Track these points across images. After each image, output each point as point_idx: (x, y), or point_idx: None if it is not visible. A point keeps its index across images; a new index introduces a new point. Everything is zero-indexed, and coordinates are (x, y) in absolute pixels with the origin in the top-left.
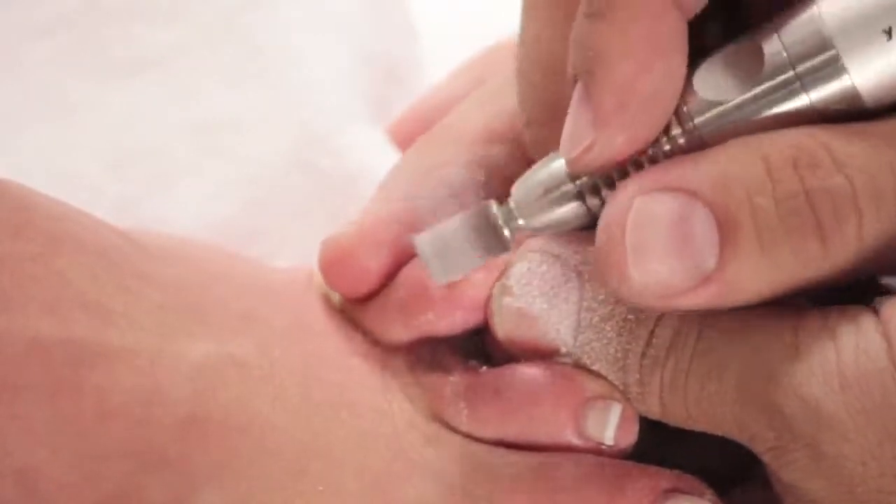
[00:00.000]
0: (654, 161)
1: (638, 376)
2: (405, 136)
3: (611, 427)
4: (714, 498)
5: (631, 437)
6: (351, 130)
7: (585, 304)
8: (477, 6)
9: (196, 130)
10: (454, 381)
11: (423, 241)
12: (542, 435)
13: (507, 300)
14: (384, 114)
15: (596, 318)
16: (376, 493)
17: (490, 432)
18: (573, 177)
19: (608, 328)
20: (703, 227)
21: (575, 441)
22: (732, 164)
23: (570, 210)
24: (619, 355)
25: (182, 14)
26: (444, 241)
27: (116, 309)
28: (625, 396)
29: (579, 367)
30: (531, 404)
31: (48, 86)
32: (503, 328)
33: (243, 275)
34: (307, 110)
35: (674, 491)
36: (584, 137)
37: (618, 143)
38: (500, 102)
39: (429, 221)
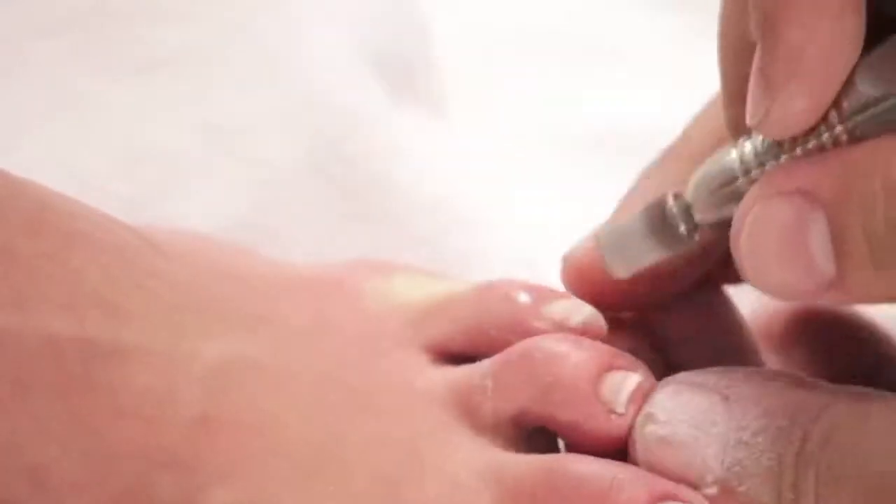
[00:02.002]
0: (822, 149)
1: (792, 479)
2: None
3: (624, 394)
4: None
5: (635, 407)
6: (363, 134)
7: (734, 423)
8: (491, 6)
9: (207, 132)
10: (482, 365)
11: (603, 234)
12: (560, 397)
13: (650, 428)
14: (397, 114)
15: (747, 435)
16: (389, 496)
17: (513, 401)
18: (745, 171)
19: (761, 440)
20: (819, 237)
21: (591, 406)
22: (855, 172)
23: None
24: (773, 464)
25: (193, 15)
26: (623, 235)
27: (131, 308)
28: None
29: (725, 492)
30: (553, 365)
31: (58, 85)
32: (646, 457)
33: (261, 273)
34: (319, 113)
35: (671, 497)
36: (761, 105)
37: (793, 110)
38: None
39: None
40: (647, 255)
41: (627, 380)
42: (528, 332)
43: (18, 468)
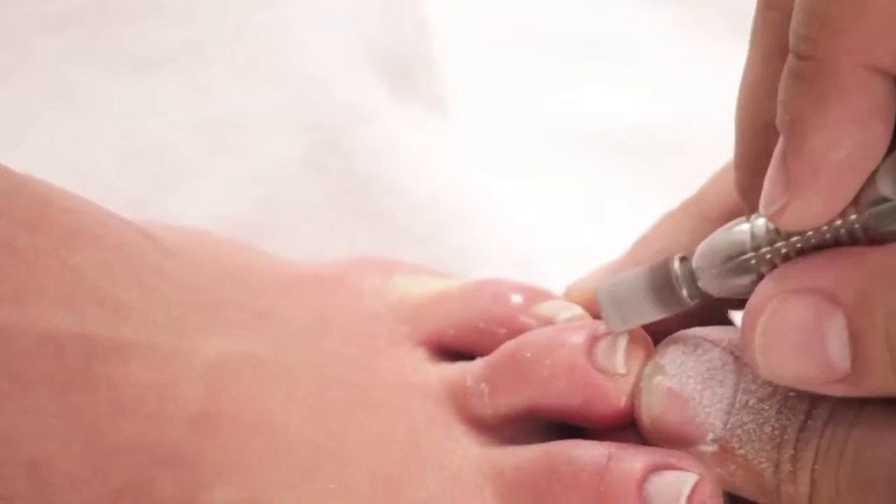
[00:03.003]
0: (838, 242)
1: (793, 451)
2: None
3: (619, 353)
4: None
5: (637, 362)
6: (361, 130)
7: (743, 385)
8: (490, 3)
9: (207, 128)
10: (473, 367)
11: (603, 289)
12: (560, 384)
13: (658, 379)
14: (397, 111)
15: (753, 400)
16: (388, 494)
17: (511, 401)
18: (756, 247)
19: (767, 407)
20: (837, 337)
21: (592, 378)
22: (878, 277)
23: (747, 282)
24: (775, 433)
25: (194, 12)
26: (623, 291)
27: (131, 304)
28: (775, 477)
29: (724, 452)
30: (545, 357)
31: (59, 81)
32: (650, 409)
33: (261, 271)
34: (319, 109)
35: (667, 467)
36: (779, 199)
37: (810, 209)
38: None
39: None
40: (645, 314)
41: (619, 341)
42: (516, 327)
43: (17, 463)
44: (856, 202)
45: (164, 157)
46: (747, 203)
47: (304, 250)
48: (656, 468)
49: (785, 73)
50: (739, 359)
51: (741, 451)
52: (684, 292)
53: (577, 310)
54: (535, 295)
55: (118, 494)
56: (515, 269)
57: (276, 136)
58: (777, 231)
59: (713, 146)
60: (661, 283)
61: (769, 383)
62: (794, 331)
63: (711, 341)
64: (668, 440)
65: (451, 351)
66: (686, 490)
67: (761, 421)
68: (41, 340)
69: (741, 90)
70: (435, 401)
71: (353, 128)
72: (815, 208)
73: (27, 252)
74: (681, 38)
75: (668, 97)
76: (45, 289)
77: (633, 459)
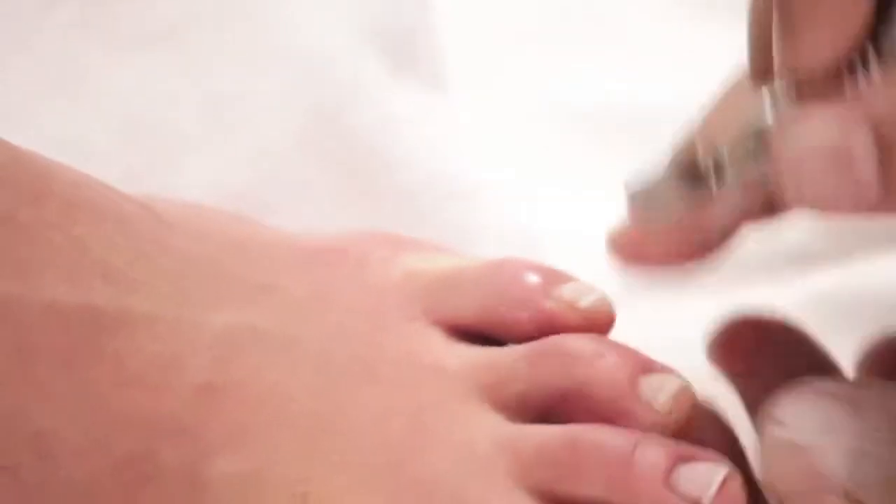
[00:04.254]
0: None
1: None
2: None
3: (665, 394)
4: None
5: (682, 411)
6: (361, 107)
7: (860, 432)
8: None
9: (205, 104)
10: (515, 350)
11: (631, 184)
12: (599, 392)
13: (776, 430)
14: (396, 88)
15: (869, 444)
16: (393, 467)
17: (546, 388)
18: (778, 119)
19: (884, 450)
20: (864, 151)
21: (629, 404)
22: None
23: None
24: (892, 474)
25: None
26: (650, 183)
27: (135, 277)
28: None
29: (849, 502)
30: (591, 363)
31: (58, 57)
32: (770, 461)
33: (265, 243)
34: (318, 86)
35: (692, 459)
36: (787, 38)
37: (817, 44)
38: None
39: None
40: (674, 204)
41: (667, 381)
42: (539, 312)
43: (22, 435)
44: (873, 49)
45: (163, 132)
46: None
47: (302, 227)
48: (685, 458)
49: None
50: (860, 406)
51: (865, 498)
52: (712, 181)
53: (599, 292)
54: (556, 276)
55: (122, 465)
56: (515, 246)
57: (274, 112)
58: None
59: None
60: (687, 170)
61: (886, 427)
62: (820, 149)
63: (830, 392)
64: (790, 494)
65: (464, 330)
66: (718, 479)
67: (885, 466)
68: (46, 313)
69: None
70: (450, 378)
71: (353, 105)
72: (823, 39)
73: (30, 225)
74: (686, 18)
75: (671, 78)
76: (49, 261)
77: (660, 448)
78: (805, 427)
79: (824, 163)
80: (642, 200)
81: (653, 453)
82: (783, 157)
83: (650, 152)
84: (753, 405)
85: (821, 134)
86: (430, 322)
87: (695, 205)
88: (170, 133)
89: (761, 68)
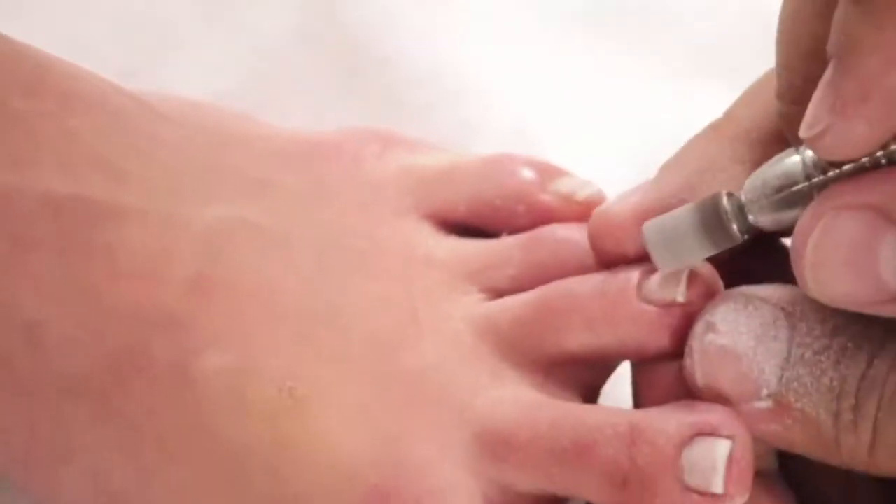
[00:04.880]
0: (876, 165)
1: (854, 401)
2: None
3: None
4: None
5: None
6: (358, 3)
7: (797, 339)
8: None
9: (199, 1)
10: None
11: (650, 228)
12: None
13: (710, 337)
14: None
15: (809, 353)
16: (383, 359)
17: (539, 270)
18: (808, 176)
19: (823, 359)
20: (889, 253)
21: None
22: None
23: (800, 214)
24: (834, 384)
25: None
26: (672, 230)
27: (128, 169)
28: (834, 428)
29: (780, 407)
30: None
31: None
32: (703, 367)
33: (259, 138)
34: None
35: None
36: (822, 121)
37: (854, 134)
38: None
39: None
40: (694, 251)
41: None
42: (535, 205)
43: (15, 325)
44: None
45: (157, 29)
46: (790, 132)
47: (297, 124)
48: (651, 271)
49: None
50: (792, 314)
51: (798, 405)
52: (734, 227)
53: (595, 186)
54: (552, 171)
55: (114, 357)
56: (511, 140)
57: (270, 8)
58: (830, 162)
59: (710, 18)
60: (711, 219)
61: (825, 336)
62: (845, 247)
63: (762, 298)
64: (722, 398)
65: (458, 226)
66: (685, 279)
67: (818, 373)
68: (39, 203)
69: (783, 17)
70: (441, 269)
71: (349, 0)
72: (860, 133)
73: (24, 116)
74: None
75: None
76: (43, 152)
77: (627, 271)
78: (739, 333)
79: (846, 262)
80: (663, 241)
81: (620, 278)
82: (805, 252)
83: (647, 46)
84: None
85: (846, 231)
86: (423, 216)
87: (715, 249)
88: (164, 30)
89: (790, 116)
